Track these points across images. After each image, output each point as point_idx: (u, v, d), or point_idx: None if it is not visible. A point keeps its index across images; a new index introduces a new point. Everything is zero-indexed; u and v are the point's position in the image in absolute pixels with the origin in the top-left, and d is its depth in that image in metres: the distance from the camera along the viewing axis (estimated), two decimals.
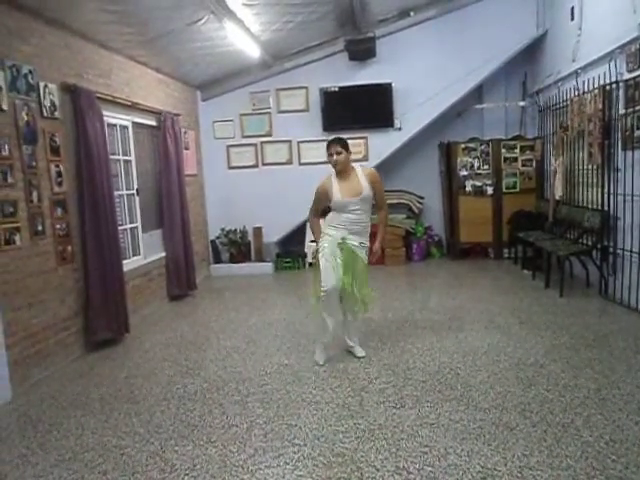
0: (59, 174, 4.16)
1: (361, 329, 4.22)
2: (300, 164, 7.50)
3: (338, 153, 3.64)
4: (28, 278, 3.78)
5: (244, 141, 7.61)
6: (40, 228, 3.92)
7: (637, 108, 4.40)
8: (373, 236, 3.85)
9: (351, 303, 3.85)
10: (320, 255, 3.73)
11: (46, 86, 4.04)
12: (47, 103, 4.04)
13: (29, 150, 3.82)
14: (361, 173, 3.71)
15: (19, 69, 3.75)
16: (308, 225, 7.61)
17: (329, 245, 3.70)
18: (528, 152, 7.21)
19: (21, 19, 3.84)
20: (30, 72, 3.86)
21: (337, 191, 3.65)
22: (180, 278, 6.14)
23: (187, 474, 2.53)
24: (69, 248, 4.25)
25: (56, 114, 4.15)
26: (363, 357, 3.89)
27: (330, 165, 3.73)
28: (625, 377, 3.31)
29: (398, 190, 7.75)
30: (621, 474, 2.32)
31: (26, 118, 3.80)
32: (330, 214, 3.80)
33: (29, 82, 3.85)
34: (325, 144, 3.79)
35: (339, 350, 4.05)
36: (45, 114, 4.02)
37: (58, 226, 4.13)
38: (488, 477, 2.36)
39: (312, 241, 7.54)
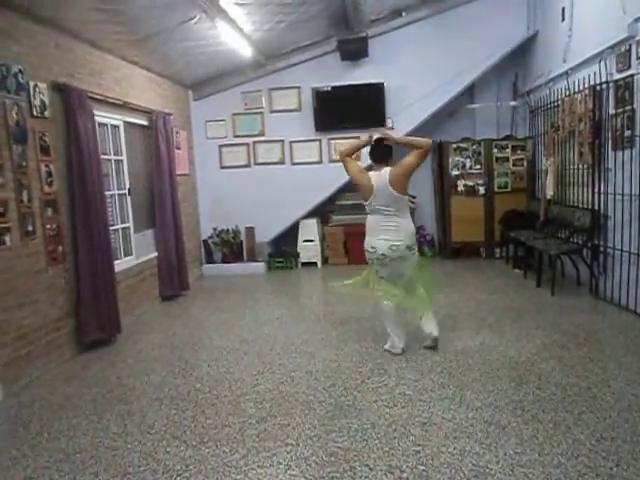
0: (49, 174, 4.13)
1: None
2: (292, 164, 7.50)
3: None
4: (18, 278, 3.75)
5: (236, 141, 7.58)
6: (30, 228, 3.89)
7: (627, 108, 4.44)
8: None
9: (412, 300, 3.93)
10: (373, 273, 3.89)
11: (36, 85, 4.00)
12: (37, 102, 4.01)
13: (19, 150, 3.79)
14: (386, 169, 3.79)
15: (9, 68, 3.71)
16: (301, 224, 7.65)
17: (375, 264, 3.81)
18: (519, 152, 7.25)
19: (11, 18, 3.80)
20: (20, 71, 3.82)
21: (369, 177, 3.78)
22: (172, 278, 6.12)
23: (180, 475, 2.53)
24: (60, 248, 4.22)
25: (46, 113, 4.12)
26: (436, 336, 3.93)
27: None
28: (616, 375, 3.34)
29: None
30: (612, 471, 2.34)
31: (16, 117, 3.77)
32: (367, 222, 3.85)
33: (19, 81, 3.81)
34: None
35: (338, 350, 4.06)
36: (35, 113, 3.98)
37: (48, 226, 4.10)
38: (480, 475, 2.37)
39: (305, 241, 7.65)
